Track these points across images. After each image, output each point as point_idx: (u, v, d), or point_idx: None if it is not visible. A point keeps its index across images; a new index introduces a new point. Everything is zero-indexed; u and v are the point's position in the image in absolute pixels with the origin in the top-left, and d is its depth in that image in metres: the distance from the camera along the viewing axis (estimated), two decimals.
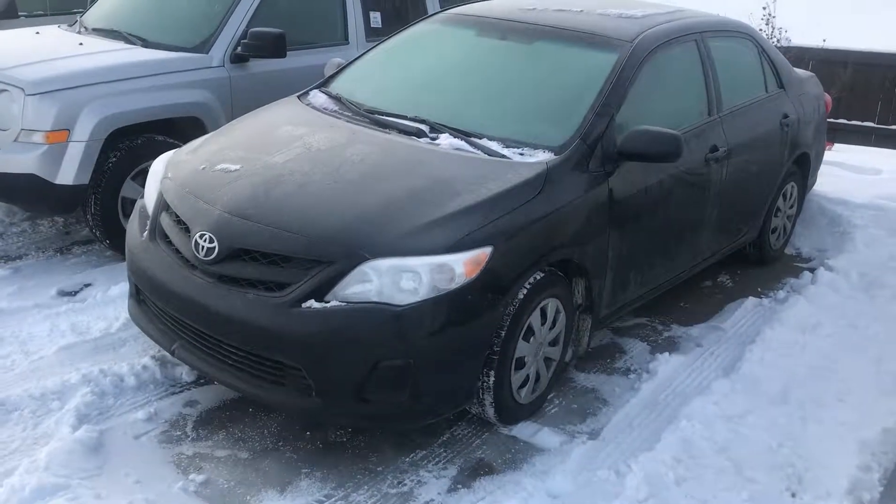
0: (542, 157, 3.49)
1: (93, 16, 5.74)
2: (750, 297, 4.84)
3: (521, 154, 3.51)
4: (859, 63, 8.13)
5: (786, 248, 5.65)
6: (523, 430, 3.44)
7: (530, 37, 4.13)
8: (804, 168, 5.47)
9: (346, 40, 5.93)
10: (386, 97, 4.09)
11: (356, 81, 4.30)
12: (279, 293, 2.99)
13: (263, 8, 5.41)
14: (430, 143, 3.60)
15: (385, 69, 4.35)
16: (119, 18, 5.58)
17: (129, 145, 4.79)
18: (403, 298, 2.94)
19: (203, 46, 5.20)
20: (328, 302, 2.95)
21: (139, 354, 3.72)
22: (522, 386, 3.41)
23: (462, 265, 3.00)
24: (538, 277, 3.29)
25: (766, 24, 8.90)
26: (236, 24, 5.28)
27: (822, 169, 6.05)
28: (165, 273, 3.27)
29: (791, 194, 5.41)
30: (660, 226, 3.99)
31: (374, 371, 2.95)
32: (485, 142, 3.58)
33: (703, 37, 4.43)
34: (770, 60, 5.07)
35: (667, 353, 4.07)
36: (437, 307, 2.96)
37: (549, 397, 3.66)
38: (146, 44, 5.21)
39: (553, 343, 3.53)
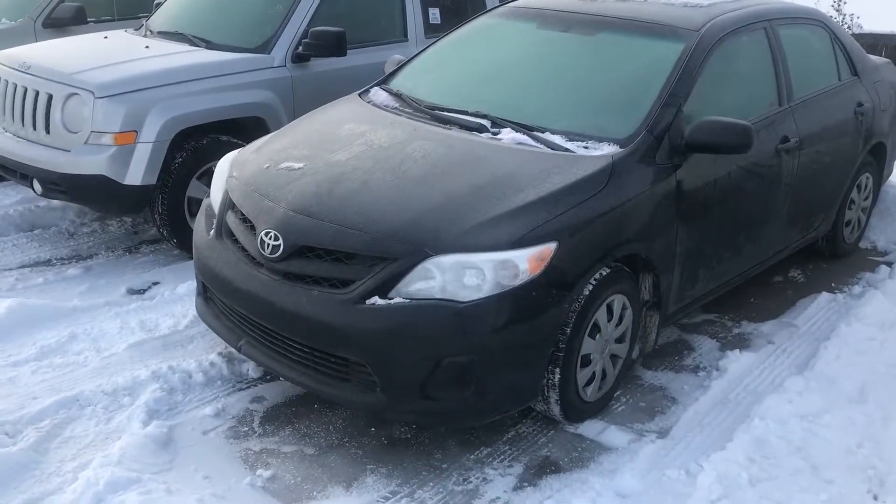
0: (608, 150, 3.42)
1: (158, 19, 5.85)
2: (823, 293, 4.69)
3: (586, 147, 3.45)
4: None
5: (860, 241, 5.45)
6: (590, 428, 3.38)
7: (593, 28, 4.06)
8: (880, 158, 5.27)
9: (405, 37, 5.94)
10: (447, 93, 4.07)
11: (416, 78, 4.28)
12: (343, 290, 2.99)
13: (324, 7, 5.45)
14: (491, 138, 3.56)
15: (445, 65, 4.32)
16: (183, 21, 5.68)
17: (195, 146, 4.87)
18: (467, 295, 2.91)
19: (265, 47, 5.25)
20: (392, 299, 2.94)
21: (206, 351, 3.78)
22: (588, 383, 3.35)
23: (526, 261, 2.95)
24: (604, 273, 3.23)
25: (836, 11, 8.61)
26: (297, 23, 5.32)
27: None
28: (232, 270, 3.31)
29: (866, 185, 5.22)
30: (729, 219, 3.88)
31: (438, 368, 2.93)
32: (548, 135, 3.53)
33: (772, 24, 4.29)
34: (843, 47, 4.89)
35: (737, 351, 3.96)
36: (500, 304, 2.92)
37: (615, 395, 3.59)
38: (210, 45, 5.28)
39: (619, 340, 3.46)
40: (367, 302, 2.95)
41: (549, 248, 3.01)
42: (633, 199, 3.31)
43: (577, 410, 3.33)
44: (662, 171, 3.46)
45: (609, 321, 3.34)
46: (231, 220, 3.46)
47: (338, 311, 2.97)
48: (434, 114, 3.82)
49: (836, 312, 4.46)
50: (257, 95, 5.11)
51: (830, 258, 5.21)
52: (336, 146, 3.58)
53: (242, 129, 5.08)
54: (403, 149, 3.48)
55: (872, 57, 5.42)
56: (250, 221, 3.32)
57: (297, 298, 3.06)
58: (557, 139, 3.50)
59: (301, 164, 3.46)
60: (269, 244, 3.16)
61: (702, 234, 3.73)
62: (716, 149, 3.50)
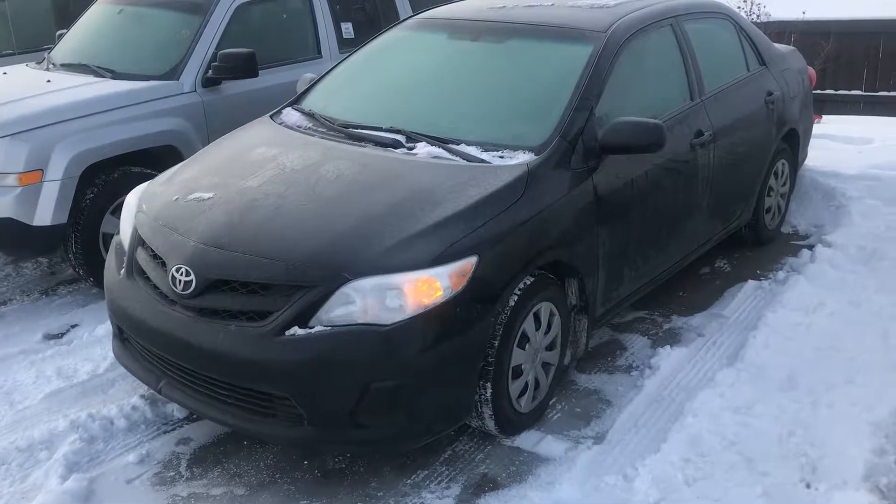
0: (523, 158, 3.39)
1: (60, 52, 5.66)
2: (749, 281, 4.75)
3: (501, 157, 3.42)
4: (842, 32, 8.06)
5: (782, 226, 5.55)
6: (527, 439, 3.34)
7: (503, 36, 4.04)
8: (793, 144, 5.38)
9: (318, 54, 5.85)
10: (359, 109, 4.01)
11: (329, 96, 4.20)
12: (261, 323, 2.90)
13: (232, 28, 5.34)
14: (406, 153, 3.51)
15: (357, 81, 4.25)
16: (86, 52, 5.50)
17: (106, 180, 4.71)
18: (389, 317, 2.85)
19: (173, 73, 5.11)
20: (312, 328, 2.86)
21: (128, 394, 3.63)
22: (522, 394, 3.31)
23: (447, 278, 2.90)
24: (528, 282, 3.20)
25: (744, 1, 8.80)
26: (205, 47, 5.20)
27: (813, 142, 5.96)
28: (145, 310, 3.18)
29: (782, 172, 5.32)
30: (650, 217, 3.89)
31: (366, 395, 2.86)
32: (463, 147, 3.48)
33: (678, 20, 4.33)
34: (749, 38, 4.98)
35: (668, 347, 3.97)
36: (424, 323, 2.86)
37: (551, 403, 3.56)
38: (115, 75, 5.12)
39: (550, 347, 3.43)
40: (287, 333, 2.86)
41: (469, 262, 2.96)
42: (551, 205, 3.29)
43: (513, 423, 3.29)
44: (579, 175, 3.45)
45: (537, 330, 3.31)
46: (141, 257, 3.33)
47: (256, 346, 2.88)
48: (347, 132, 3.75)
49: (762, 300, 4.52)
50: (168, 123, 4.97)
51: (754, 245, 5.29)
52: (247, 172, 3.48)
53: (155, 159, 4.92)
54: (317, 170, 3.40)
55: (779, 45, 5.54)
56: (161, 258, 3.20)
57: (214, 335, 2.95)
58: (472, 150, 3.46)
59: (211, 194, 3.35)
60: (180, 280, 3.04)
61: (624, 235, 3.73)
62: (629, 149, 3.50)
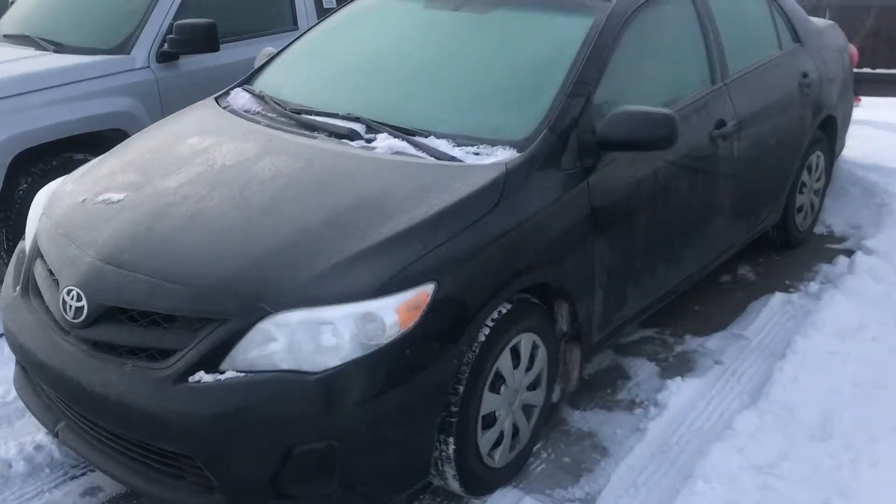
0: (502, 155, 2.77)
1: (6, 21, 5.07)
2: (776, 294, 4.10)
3: (477, 154, 2.79)
4: (884, 6, 7.28)
5: (815, 226, 4.89)
6: (501, 499, 2.75)
7: (488, 4, 3.39)
8: (831, 133, 4.70)
9: (294, 25, 5.23)
10: (317, 92, 3.39)
11: (285, 75, 3.58)
12: (162, 364, 2.31)
13: None
14: (364, 146, 2.89)
15: (319, 57, 3.63)
16: (32, 22, 4.90)
17: (44, 168, 4.14)
18: (320, 362, 2.25)
19: (123, 47, 4.51)
20: (223, 373, 2.27)
21: (34, 430, 3.06)
22: (496, 445, 2.72)
23: (394, 312, 2.29)
24: (504, 311, 2.59)
25: None
26: (161, 17, 4.59)
27: (851, 129, 5.25)
28: (35, 338, 2.60)
29: (817, 165, 4.65)
30: (660, 225, 3.25)
31: (290, 459, 2.27)
32: (432, 141, 2.86)
33: None
34: (782, 11, 4.29)
35: (679, 378, 3.35)
36: (364, 370, 2.26)
37: (535, 449, 2.96)
38: (60, 48, 4.53)
39: (533, 386, 2.83)
40: (191, 379, 2.27)
41: (425, 291, 2.35)
42: (534, 215, 2.67)
43: (483, 481, 2.70)
44: (571, 176, 2.82)
45: (516, 367, 2.70)
46: (38, 272, 2.75)
47: (154, 393, 2.29)
48: (299, 118, 3.13)
49: (791, 318, 3.88)
50: (116, 103, 4.37)
51: (783, 249, 4.64)
52: (171, 168, 2.88)
53: (103, 144, 4.32)
54: (251, 167, 2.79)
55: (816, 20, 4.84)
56: (55, 275, 2.62)
57: (107, 376, 2.37)
58: (442, 145, 2.83)
59: (122, 195, 2.76)
60: (71, 305, 2.46)
61: (627, 247, 3.10)
62: (633, 145, 2.86)
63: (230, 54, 4.74)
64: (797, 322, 3.81)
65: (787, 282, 4.31)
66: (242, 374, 2.25)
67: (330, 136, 3.00)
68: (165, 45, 4.53)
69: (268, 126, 3.13)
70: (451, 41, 3.34)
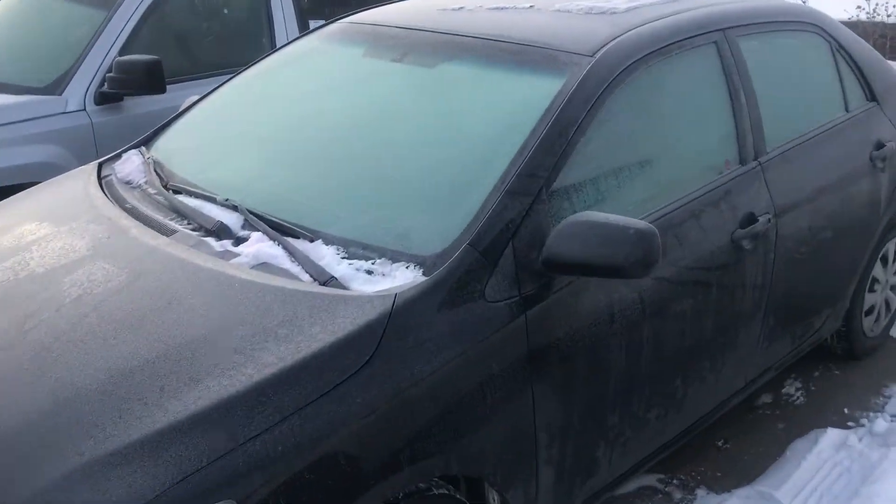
0: (400, 278, 1.94)
1: None
2: (829, 430, 3.13)
3: (369, 273, 1.98)
4: None
5: (890, 329, 3.86)
6: None
7: (438, 55, 2.58)
8: None
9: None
10: (211, 163, 2.64)
11: (189, 135, 2.85)
12: None
13: (146, 27, 4.07)
14: (226, 251, 2.12)
15: (228, 115, 2.87)
16: None
17: None
18: None
19: (56, 86, 3.88)
20: None
21: None
22: None
23: None
24: None
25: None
26: (102, 52, 3.95)
27: None
28: None
29: (895, 256, 3.64)
30: (647, 361, 2.36)
31: None
32: (316, 248, 2.06)
33: (728, 36, 2.74)
34: (851, 60, 3.31)
35: None
36: None
37: None
38: None
39: None
40: None
41: None
42: (429, 375, 1.83)
43: None
44: (499, 311, 1.97)
45: None
46: None
47: None
48: (172, 201, 2.39)
49: (845, 474, 2.90)
50: (35, 153, 3.74)
51: (846, 358, 3.65)
52: None
53: None
54: (60, 281, 2.05)
55: None
56: None
57: None
58: (326, 256, 2.03)
59: None
60: None
61: (595, 396, 2.23)
62: (591, 270, 1.98)
63: (186, 95, 4.05)
64: (851, 481, 2.83)
65: (845, 410, 3.32)
66: None
67: (196, 230, 2.24)
68: (105, 85, 3.89)
69: (129, 211, 2.39)
70: (377, 108, 2.53)
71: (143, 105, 3.99)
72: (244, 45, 4.50)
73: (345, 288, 1.94)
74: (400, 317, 1.83)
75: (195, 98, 3.16)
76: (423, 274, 1.94)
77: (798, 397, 3.44)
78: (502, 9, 2.82)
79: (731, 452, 3.08)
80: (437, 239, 2.00)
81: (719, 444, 3.12)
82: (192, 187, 2.44)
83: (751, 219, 2.61)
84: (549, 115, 2.19)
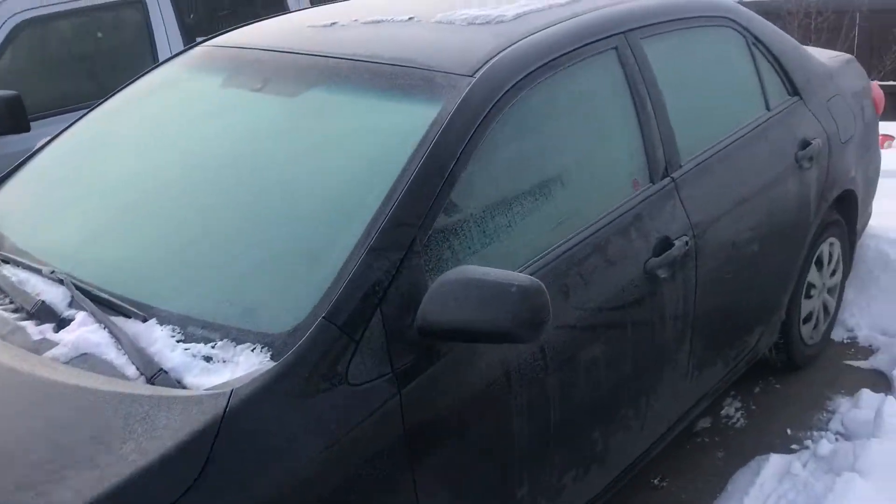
0: (244, 365, 1.61)
1: None
2: (771, 456, 2.89)
3: (207, 358, 1.65)
4: None
5: (832, 331, 3.65)
6: None
7: (303, 81, 2.26)
8: (849, 211, 3.47)
9: None
10: (45, 224, 2.28)
11: (24, 189, 2.47)
12: None
13: (6, 58, 3.67)
14: (43, 340, 1.77)
15: (67, 164, 2.49)
16: None
17: None
18: None
19: None
20: None
21: None
22: None
23: None
24: None
25: None
26: None
27: (880, 186, 3.97)
28: None
29: (831, 257, 3.42)
30: (560, 421, 2.07)
31: None
32: (147, 329, 1.73)
33: (630, 39, 2.46)
34: (770, 54, 3.06)
35: None
36: None
37: None
38: None
39: None
40: None
41: None
42: (283, 482, 1.51)
43: None
44: (365, 395, 1.65)
45: None
46: None
47: None
48: None
49: None
50: None
51: (786, 370, 3.42)
52: None
53: None
54: None
55: (824, 56, 3.60)
56: None
57: None
58: (158, 340, 1.70)
59: None
60: None
61: (493, 472, 1.94)
62: (473, 335, 1.68)
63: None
64: None
65: (788, 431, 3.09)
66: None
67: (16, 311, 1.89)
68: None
69: None
70: (229, 151, 2.17)
71: (6, 145, 3.59)
72: (124, 70, 4.10)
73: (177, 383, 1.60)
74: (236, 419, 1.50)
75: (45, 140, 2.78)
76: (272, 358, 1.62)
77: (738, 419, 3.20)
78: (378, 22, 2.50)
79: (669, 490, 2.83)
80: (288, 313, 1.67)
81: (655, 481, 2.86)
82: (21, 256, 2.09)
83: (665, 244, 2.33)
84: (422, 150, 1.88)
